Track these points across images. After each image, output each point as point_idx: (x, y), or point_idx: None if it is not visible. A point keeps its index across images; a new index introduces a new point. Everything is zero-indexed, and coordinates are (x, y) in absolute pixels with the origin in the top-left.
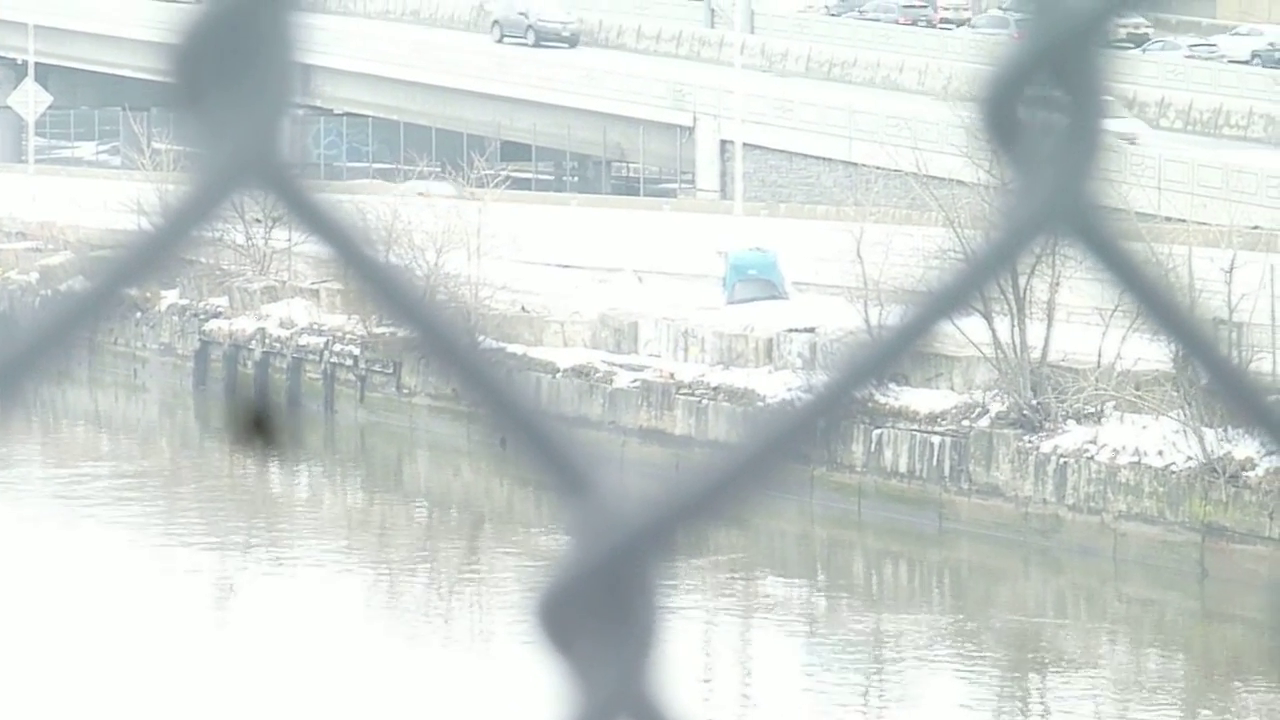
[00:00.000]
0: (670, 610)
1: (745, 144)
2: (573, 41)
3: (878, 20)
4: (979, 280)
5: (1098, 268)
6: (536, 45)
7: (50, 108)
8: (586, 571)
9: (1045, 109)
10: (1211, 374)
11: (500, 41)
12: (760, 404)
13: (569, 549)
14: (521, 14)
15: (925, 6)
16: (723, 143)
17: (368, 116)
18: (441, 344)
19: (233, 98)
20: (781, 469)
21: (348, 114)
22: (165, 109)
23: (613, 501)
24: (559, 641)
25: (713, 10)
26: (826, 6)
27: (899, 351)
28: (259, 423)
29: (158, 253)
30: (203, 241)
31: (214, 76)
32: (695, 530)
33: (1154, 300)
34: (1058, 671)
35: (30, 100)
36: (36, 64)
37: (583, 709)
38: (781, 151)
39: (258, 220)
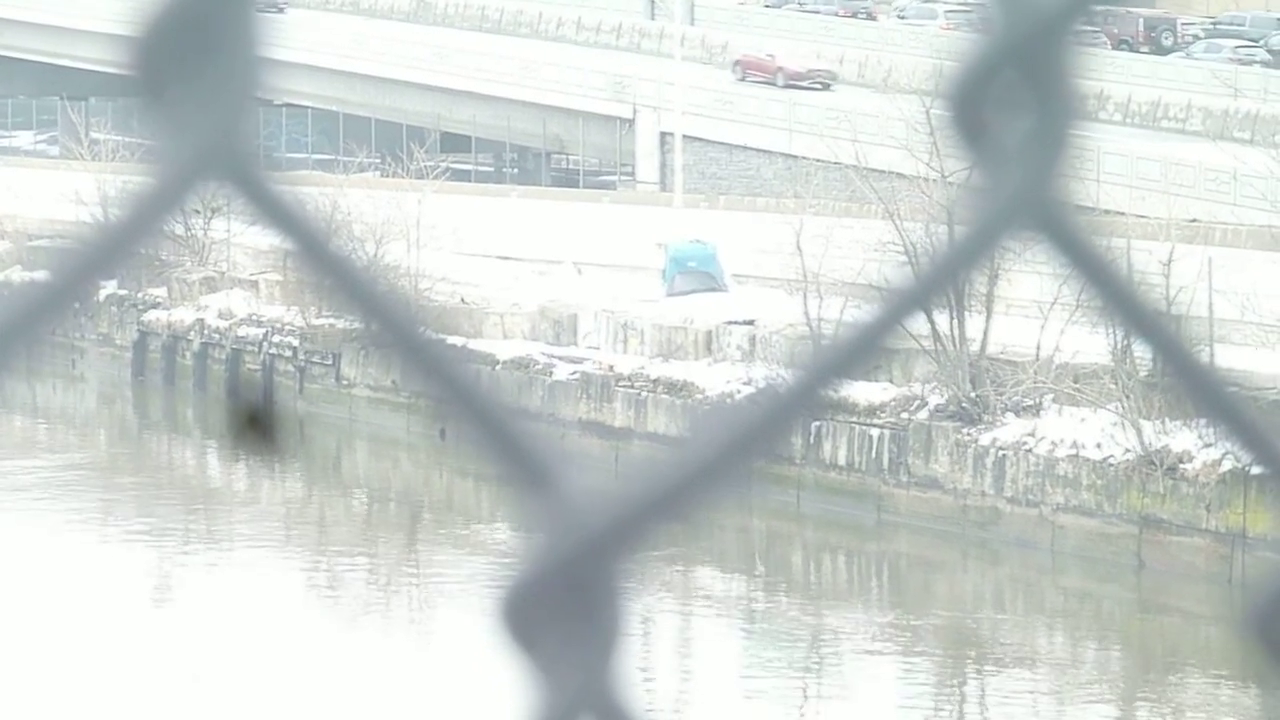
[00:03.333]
0: (635, 608)
1: (685, 136)
2: None
3: (817, 13)
4: (946, 278)
5: (1065, 265)
6: None
7: None
8: (550, 569)
9: (1012, 106)
10: (1177, 371)
11: None
12: (701, 397)
13: (532, 546)
14: None
15: None
16: (663, 135)
17: (307, 107)
18: (405, 339)
19: (195, 90)
20: (747, 467)
21: (286, 105)
22: (127, 100)
23: (577, 498)
24: (522, 640)
25: (653, 2)
26: None
27: (865, 349)
28: (253, 419)
29: (121, 246)
30: (164, 235)
31: (176, 69)
32: (661, 528)
33: (1121, 297)
34: (995, 664)
35: None
36: None
37: (546, 708)
38: (722, 144)
39: (196, 211)
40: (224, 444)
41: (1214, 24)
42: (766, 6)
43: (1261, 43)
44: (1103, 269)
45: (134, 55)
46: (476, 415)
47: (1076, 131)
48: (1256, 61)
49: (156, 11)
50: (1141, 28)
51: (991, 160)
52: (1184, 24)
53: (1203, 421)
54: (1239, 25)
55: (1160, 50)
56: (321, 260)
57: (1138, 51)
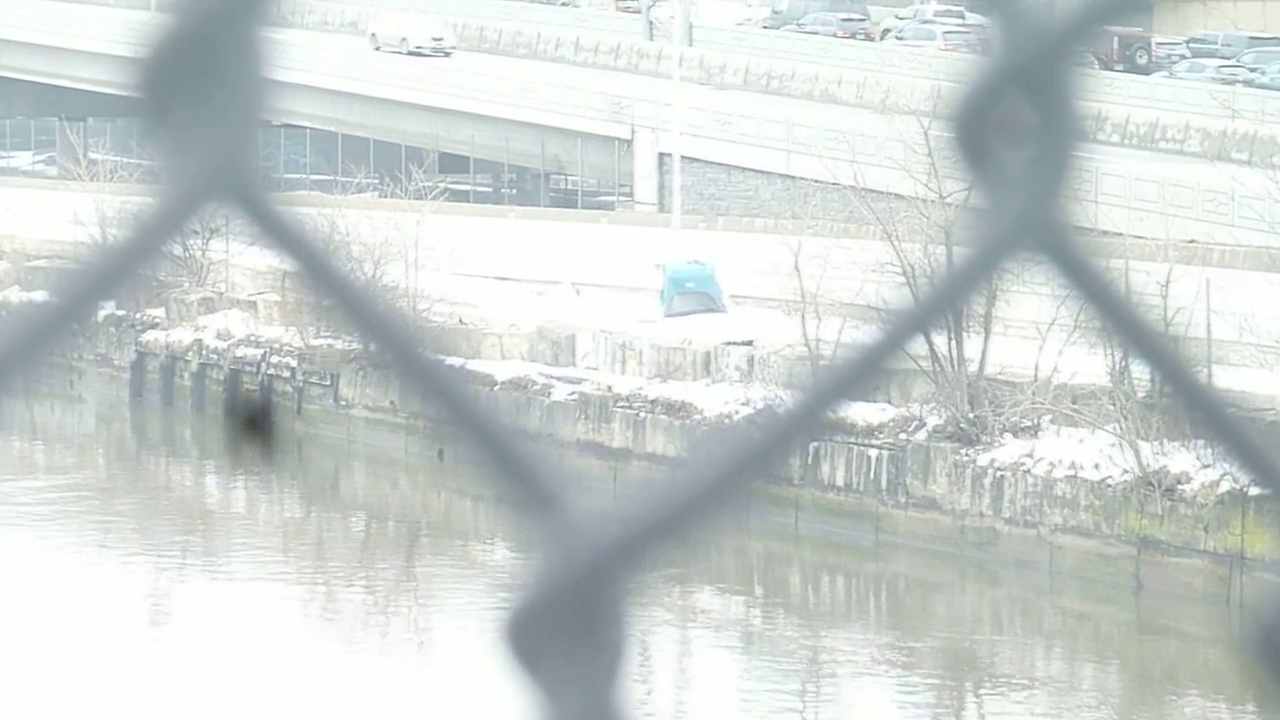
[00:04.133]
0: (639, 629)
1: (684, 157)
2: None
3: (816, 33)
4: (950, 300)
5: (1068, 286)
6: None
7: None
8: (554, 590)
9: (1016, 128)
10: (1179, 392)
11: None
12: (699, 417)
13: (537, 567)
14: None
15: (864, 20)
16: (661, 155)
17: (305, 128)
18: (409, 360)
19: (200, 112)
20: (751, 488)
21: (285, 125)
22: (129, 121)
23: (581, 520)
24: (526, 660)
25: (651, 23)
26: (764, 20)
27: (869, 370)
28: (251, 422)
29: (126, 267)
30: (166, 255)
31: (181, 90)
32: (665, 549)
33: (1123, 319)
34: (993, 685)
35: None
36: None
37: None
38: (720, 164)
39: (195, 231)
40: (222, 459)
41: (1186, 43)
42: (765, 28)
43: (1234, 60)
44: (1105, 291)
45: (139, 76)
46: (480, 436)
47: (1079, 153)
48: (1239, 81)
49: (161, 32)
50: (1116, 46)
51: (994, 182)
52: (1159, 43)
53: (1204, 442)
54: (1211, 44)
55: (1134, 69)
56: (326, 281)
57: (1111, 70)
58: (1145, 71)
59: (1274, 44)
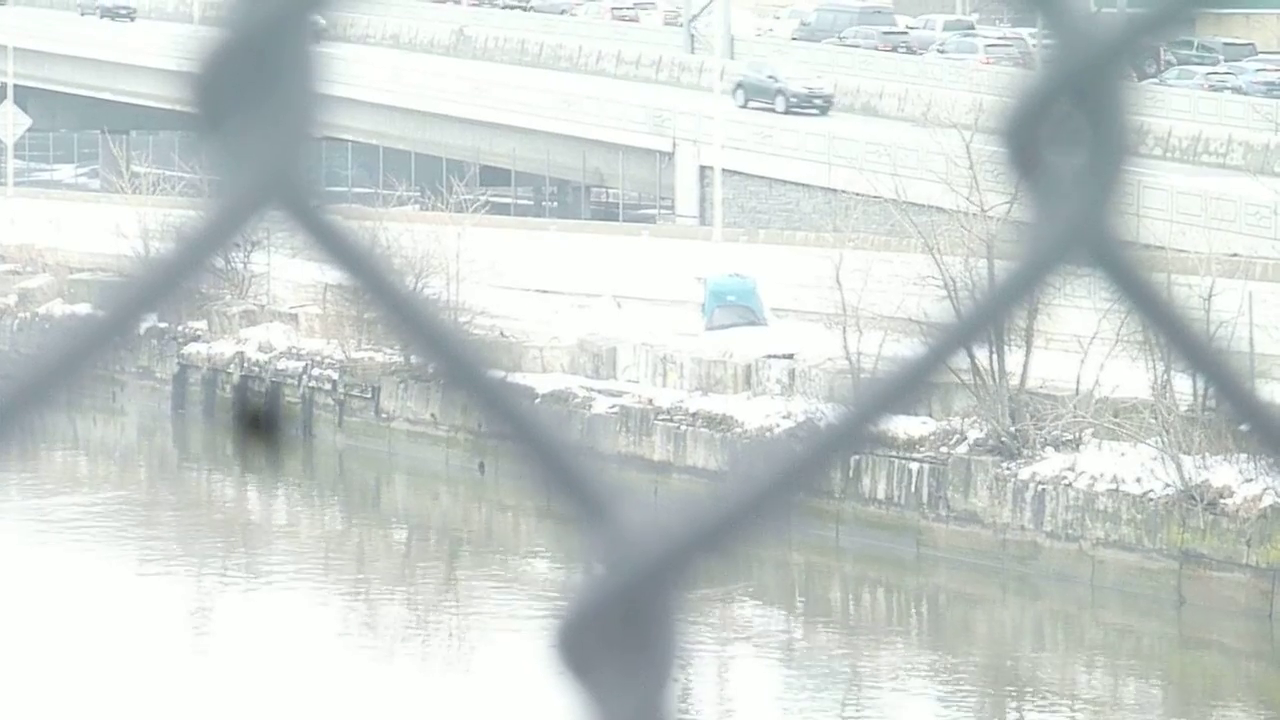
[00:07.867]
0: (689, 639)
1: (725, 170)
2: None
3: (857, 47)
4: (999, 311)
5: (1118, 297)
6: None
7: (29, 130)
8: (606, 600)
9: (1066, 139)
10: (1232, 403)
11: None
12: (740, 430)
13: (588, 577)
14: None
15: (905, 33)
16: (702, 168)
17: (347, 141)
18: (463, 373)
19: (252, 124)
20: (799, 500)
21: (326, 138)
22: (182, 133)
23: (633, 530)
24: (577, 669)
25: (693, 36)
26: (793, 33)
27: (917, 382)
28: (258, 426)
29: (177, 278)
30: (213, 268)
31: (234, 103)
32: (715, 560)
33: (1174, 330)
34: (1035, 699)
35: (9, 122)
36: (15, 86)
37: None
38: (761, 177)
39: (237, 244)
40: (262, 471)
41: (1170, 48)
42: (794, 40)
43: (1211, 64)
44: (1156, 302)
45: (192, 88)
46: (530, 447)
47: (1129, 165)
48: (1227, 88)
49: (214, 45)
50: None
51: (1044, 192)
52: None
53: (1251, 455)
54: (1188, 49)
55: (1140, 76)
56: (381, 293)
57: None
58: (1148, 79)
59: (1248, 50)
